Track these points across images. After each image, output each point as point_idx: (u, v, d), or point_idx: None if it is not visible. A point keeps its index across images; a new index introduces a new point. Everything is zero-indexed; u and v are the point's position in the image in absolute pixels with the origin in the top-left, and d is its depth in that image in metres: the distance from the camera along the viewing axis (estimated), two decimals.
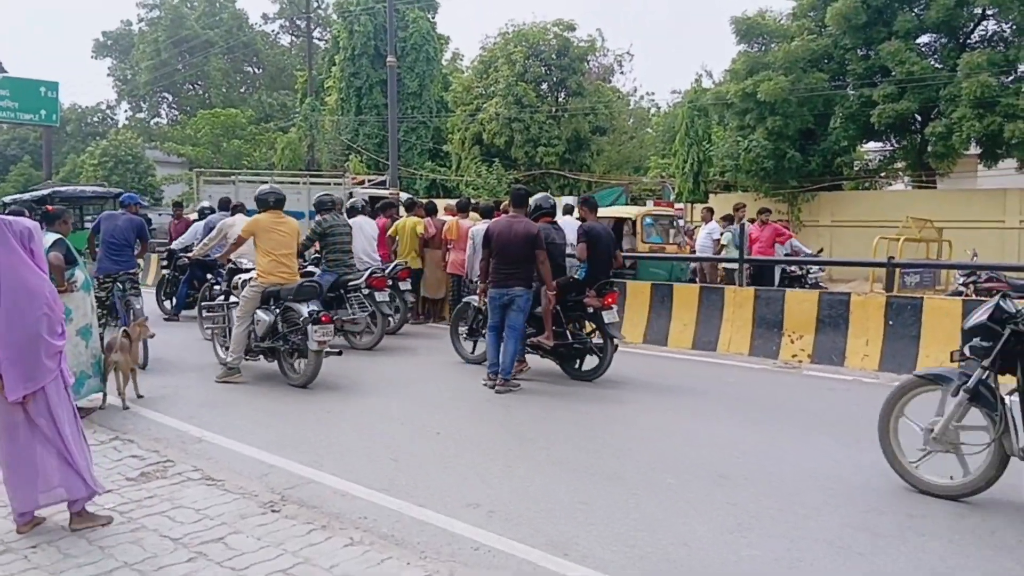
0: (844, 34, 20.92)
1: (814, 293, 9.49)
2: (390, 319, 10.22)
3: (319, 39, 47.86)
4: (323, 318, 7.45)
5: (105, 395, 6.86)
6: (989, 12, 19.75)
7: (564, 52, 30.64)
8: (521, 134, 29.58)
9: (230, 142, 38.29)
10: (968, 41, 20.69)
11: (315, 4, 46.06)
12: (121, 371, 6.87)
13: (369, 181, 21.49)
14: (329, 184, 15.72)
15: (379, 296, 9.65)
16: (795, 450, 5.69)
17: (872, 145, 25.15)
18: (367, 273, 9.72)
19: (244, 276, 8.33)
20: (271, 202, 8.00)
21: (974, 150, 21.04)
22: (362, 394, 7.44)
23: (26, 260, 3.96)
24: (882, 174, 25.23)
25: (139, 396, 7.10)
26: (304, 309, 7.51)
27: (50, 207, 7.42)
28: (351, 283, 9.42)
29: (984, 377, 4.65)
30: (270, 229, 7.83)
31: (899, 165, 23.91)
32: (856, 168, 24.40)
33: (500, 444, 5.82)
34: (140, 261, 9.13)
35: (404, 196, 16.89)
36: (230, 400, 7.26)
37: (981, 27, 20.67)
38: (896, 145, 23.18)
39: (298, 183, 16.01)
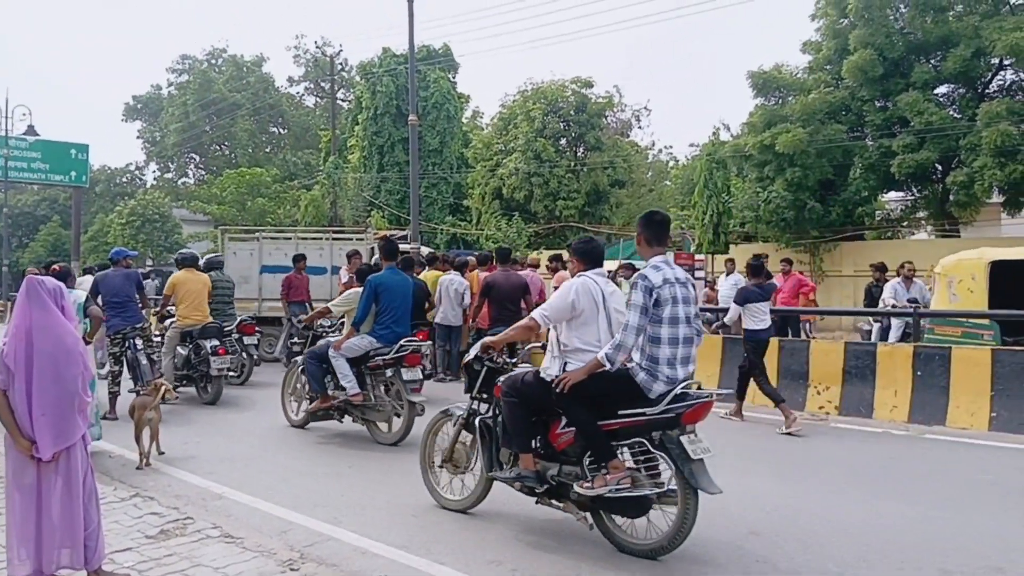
0: (861, 86, 21.06)
1: (839, 344, 9.36)
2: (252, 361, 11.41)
3: (343, 100, 48.99)
4: (220, 351, 9.60)
5: (142, 455, 6.81)
6: (1007, 62, 19.83)
7: (582, 108, 31.08)
8: (540, 188, 29.84)
9: (255, 200, 38.96)
10: (986, 91, 20.75)
11: (339, 66, 47.27)
12: (151, 429, 6.88)
13: (391, 236, 21.70)
14: (351, 240, 15.85)
15: (247, 340, 11.15)
16: (826, 504, 5.54)
17: (893, 195, 25.08)
18: (238, 320, 11.14)
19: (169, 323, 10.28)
20: (189, 261, 10.11)
21: (996, 198, 20.91)
22: (382, 450, 7.38)
23: (61, 319, 4.01)
24: (904, 223, 25.10)
25: (160, 453, 7.08)
26: (208, 344, 9.63)
27: (57, 267, 7.69)
28: (226, 329, 10.50)
29: (474, 407, 5.32)
30: (186, 282, 9.84)
31: (921, 214, 23.79)
32: (878, 218, 24.30)
33: (521, 501, 5.71)
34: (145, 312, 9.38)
35: (425, 251, 17.00)
36: (250, 456, 7.23)
37: (999, 77, 20.74)
38: (917, 194, 23.10)
39: (321, 239, 16.15)
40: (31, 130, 25.38)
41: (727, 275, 14.33)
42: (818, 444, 7.60)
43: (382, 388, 7.56)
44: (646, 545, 4.53)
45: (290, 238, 16.07)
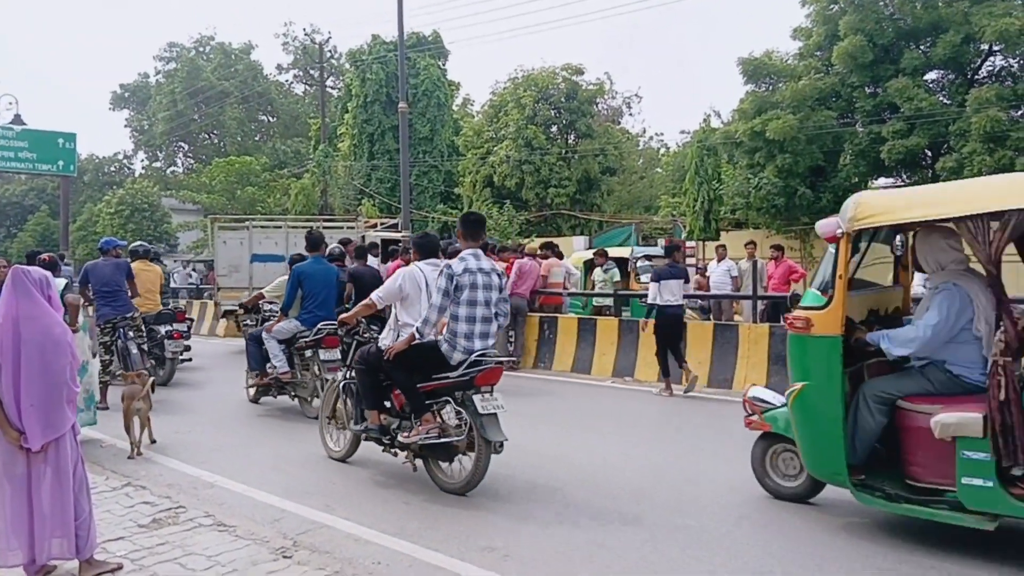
0: (851, 72, 21.06)
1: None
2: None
3: (332, 88, 48.72)
4: (175, 335, 10.18)
5: (133, 445, 6.79)
6: (996, 48, 19.85)
7: (573, 96, 31.01)
8: (532, 176, 29.80)
9: (244, 189, 38.71)
10: (976, 77, 20.77)
11: (328, 54, 46.99)
12: (140, 418, 6.88)
13: (381, 224, 21.61)
14: (342, 228, 15.81)
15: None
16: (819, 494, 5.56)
17: (883, 181, 25.13)
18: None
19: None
20: (140, 253, 10.44)
21: None
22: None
23: (48, 309, 3.99)
24: None
25: (152, 441, 7.07)
26: (162, 329, 10.24)
27: (46, 256, 7.84)
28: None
29: (349, 374, 6.26)
30: (140, 273, 9.93)
31: None
32: None
33: (515, 487, 5.73)
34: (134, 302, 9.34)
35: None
36: (243, 445, 7.23)
37: (988, 63, 20.77)
38: (907, 180, 23.15)
39: (311, 228, 16.10)
40: (18, 119, 25.07)
41: (718, 261, 14.34)
42: None
43: (308, 367, 8.28)
44: (457, 484, 5.50)
45: (280, 227, 16.00)
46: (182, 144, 55.73)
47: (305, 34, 52.05)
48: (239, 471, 6.24)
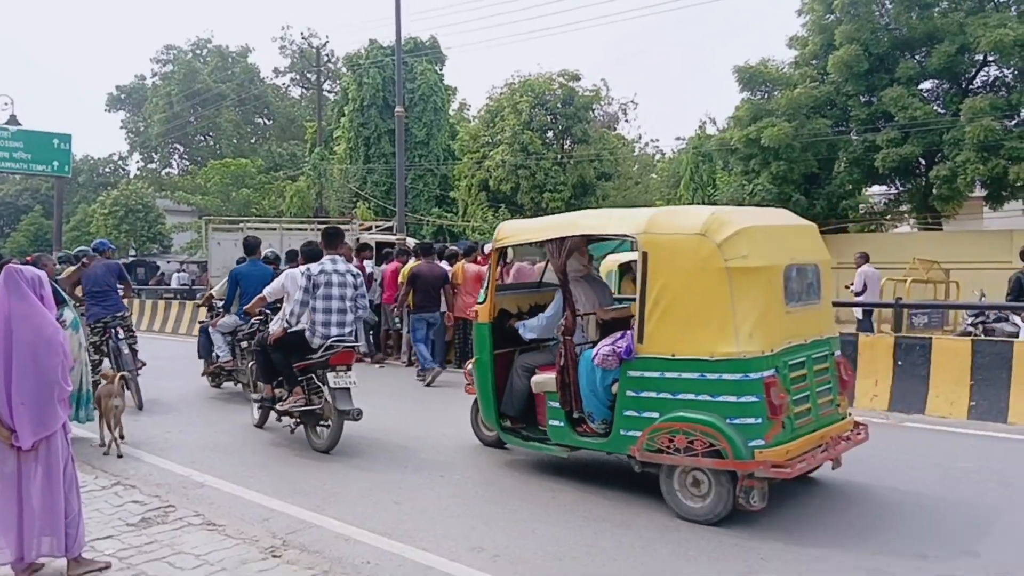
0: (846, 81, 21.16)
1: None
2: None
3: (329, 91, 48.72)
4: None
5: (108, 443, 6.85)
6: (991, 58, 19.98)
7: (569, 101, 31.05)
8: (527, 180, 29.82)
9: (239, 191, 38.72)
10: (970, 87, 20.90)
11: (325, 58, 47.00)
12: (115, 416, 6.89)
13: (376, 227, 21.65)
14: None
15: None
16: (803, 492, 5.59)
17: (877, 188, 25.25)
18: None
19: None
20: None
21: (979, 192, 21.08)
22: (364, 437, 7.38)
23: (41, 308, 3.99)
24: (887, 217, 25.28)
25: (121, 438, 7.01)
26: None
27: (30, 256, 7.97)
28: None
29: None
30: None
31: (904, 208, 23.96)
32: (861, 211, 24.46)
33: (506, 489, 5.74)
34: (126, 302, 9.40)
35: (411, 242, 16.98)
36: (233, 444, 7.22)
37: (983, 73, 20.90)
38: (901, 188, 23.26)
39: (306, 229, 16.13)
40: (13, 120, 25.07)
41: None
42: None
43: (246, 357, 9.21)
44: (322, 445, 6.88)
45: (275, 228, 16.04)
46: (177, 146, 55.64)
47: (303, 38, 51.99)
48: (228, 471, 6.23)
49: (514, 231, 6.48)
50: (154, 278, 29.26)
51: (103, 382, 7.07)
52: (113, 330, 8.89)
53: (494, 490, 5.67)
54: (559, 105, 31.18)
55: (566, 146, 32.14)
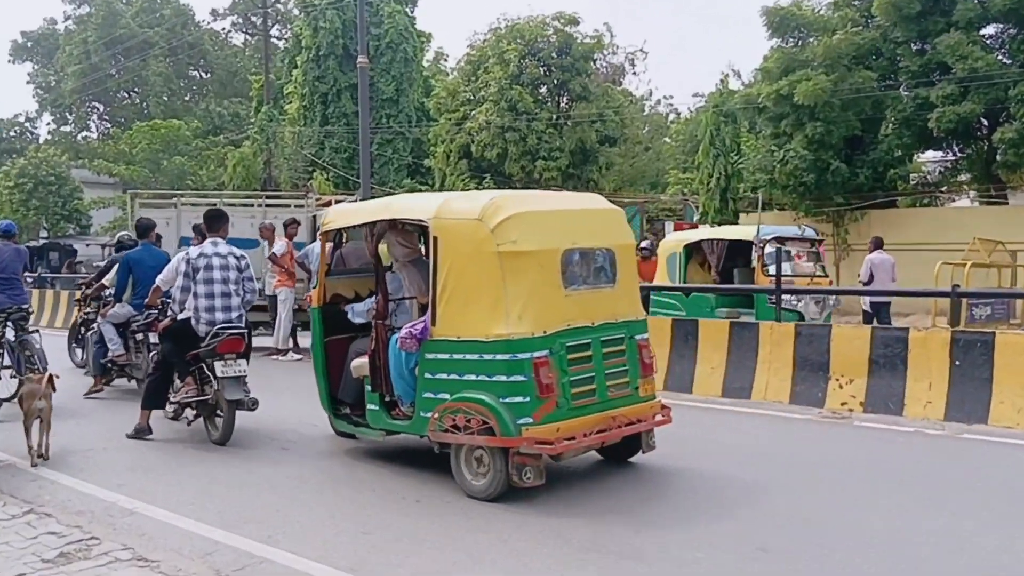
0: (895, 26, 21.20)
1: (866, 329, 9.49)
2: None
3: (277, 38, 48.43)
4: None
5: (31, 450, 6.91)
6: None
7: (566, 50, 31.00)
8: (516, 145, 29.79)
9: (172, 159, 38.49)
10: None
11: None
12: (44, 420, 6.96)
13: (337, 202, 21.56)
14: (290, 207, 15.75)
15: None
16: (846, 516, 5.65)
17: (931, 155, 25.40)
18: None
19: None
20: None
21: None
22: (325, 458, 7.38)
23: None
24: (943, 188, 25.43)
25: (45, 458, 7.05)
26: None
27: None
28: None
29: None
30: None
31: (963, 177, 24.12)
32: (912, 182, 24.60)
33: (493, 514, 5.76)
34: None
35: None
36: (168, 464, 7.21)
37: None
38: (959, 154, 23.39)
39: (252, 205, 16.05)
40: None
41: None
42: (839, 446, 7.72)
43: (141, 350, 9.87)
44: (217, 437, 7.81)
45: (215, 204, 15.91)
46: (96, 104, 55.20)
47: None
48: (164, 495, 6.22)
49: (340, 215, 7.75)
50: (69, 264, 29.11)
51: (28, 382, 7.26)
52: (14, 322, 9.27)
53: (480, 516, 5.70)
54: (554, 55, 31.13)
55: (562, 104, 32.10)
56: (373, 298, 7.02)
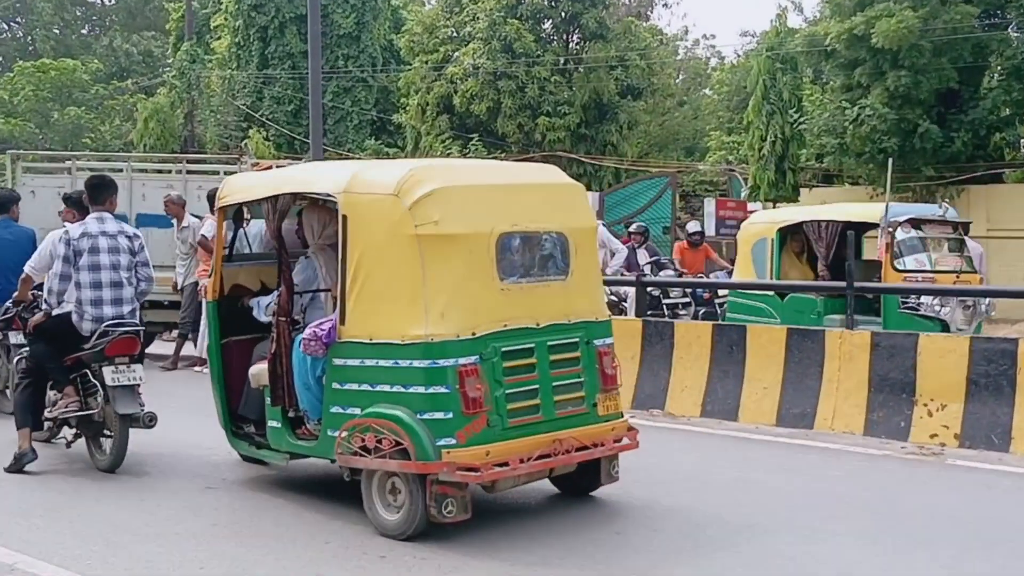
0: None
1: (963, 340, 9.46)
2: None
3: None
4: None
5: None
6: None
7: None
8: (512, 97, 29.77)
9: (65, 110, 38.36)
10: None
11: None
12: None
13: (279, 167, 21.54)
14: (219, 173, 15.69)
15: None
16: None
17: None
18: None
19: None
20: None
21: None
22: (253, 489, 7.39)
23: None
24: None
25: None
26: None
27: None
28: None
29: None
30: None
31: None
32: None
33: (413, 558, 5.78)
34: None
35: None
36: (59, 503, 7.25)
37: None
38: None
39: (170, 172, 16.01)
40: None
41: None
42: (927, 491, 7.72)
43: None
44: (105, 462, 7.91)
45: (122, 169, 15.86)
46: None
47: None
48: (53, 545, 6.24)
49: (237, 188, 7.81)
50: None
51: None
52: None
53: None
54: None
55: (572, 45, 32.10)
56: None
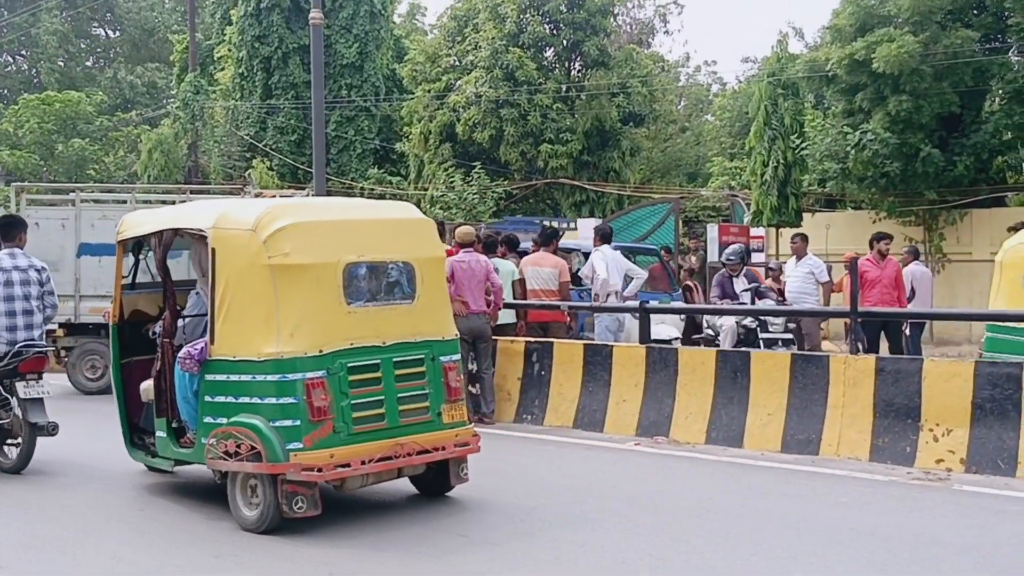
0: None
1: (967, 365, 9.42)
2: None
3: None
4: None
5: None
6: None
7: (579, 2, 31.12)
8: (514, 125, 29.83)
9: (69, 142, 38.46)
10: None
11: None
12: None
13: (283, 196, 21.60)
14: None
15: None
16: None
17: None
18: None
19: None
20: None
21: None
22: (247, 537, 7.40)
23: None
24: None
25: None
26: None
27: None
28: None
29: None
30: None
31: None
32: None
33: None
34: None
35: None
36: (63, 540, 7.25)
37: None
38: None
39: (174, 202, 16.01)
40: None
41: (797, 259, 14.39)
42: (934, 518, 7.69)
43: None
44: (10, 465, 9.09)
45: (125, 201, 15.90)
46: None
47: None
48: None
49: (132, 224, 8.68)
50: None
51: None
52: None
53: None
54: (563, 8, 31.25)
55: (574, 72, 32.19)
56: (185, 313, 8.26)
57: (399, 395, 7.31)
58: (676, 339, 14.69)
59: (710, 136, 39.84)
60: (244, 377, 7.09)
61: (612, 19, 32.39)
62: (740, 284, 14.20)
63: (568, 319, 13.65)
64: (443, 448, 7.50)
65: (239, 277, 7.12)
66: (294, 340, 6.91)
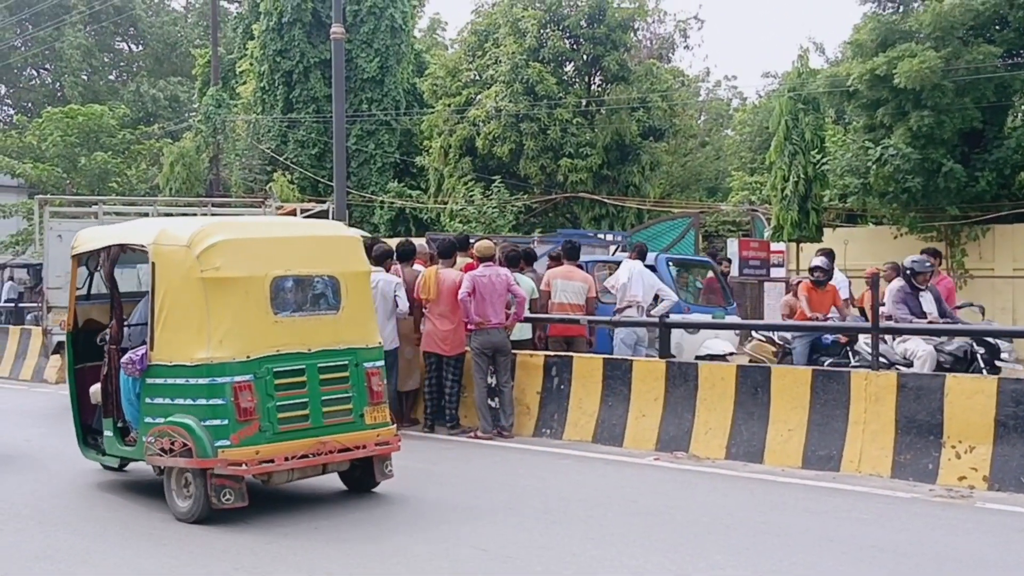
0: None
1: (990, 381, 9.37)
2: None
3: (229, 1, 48.83)
4: None
5: None
6: None
7: (599, 17, 31.17)
8: (534, 139, 29.87)
9: (92, 155, 38.67)
10: None
11: None
12: None
13: (303, 211, 21.65)
14: (243, 215, 15.81)
15: None
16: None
17: None
18: None
19: None
20: None
21: None
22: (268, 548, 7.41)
23: None
24: None
25: None
26: None
27: None
28: None
29: None
30: None
31: None
32: None
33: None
34: None
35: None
36: (82, 552, 7.26)
37: None
38: None
39: (196, 215, 16.09)
40: None
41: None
42: (957, 535, 7.65)
43: None
44: None
45: (148, 213, 15.98)
46: None
47: None
48: None
49: (85, 240, 9.31)
50: None
51: None
52: None
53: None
54: (583, 23, 31.31)
55: (594, 87, 32.22)
56: (131, 321, 8.87)
57: (323, 397, 7.99)
58: (731, 354, 14.64)
59: (730, 151, 39.78)
60: (179, 380, 7.74)
61: (632, 34, 32.36)
62: (928, 303, 12.29)
63: (588, 334, 13.62)
64: (364, 447, 8.19)
65: (175, 289, 7.79)
66: (223, 347, 7.57)
